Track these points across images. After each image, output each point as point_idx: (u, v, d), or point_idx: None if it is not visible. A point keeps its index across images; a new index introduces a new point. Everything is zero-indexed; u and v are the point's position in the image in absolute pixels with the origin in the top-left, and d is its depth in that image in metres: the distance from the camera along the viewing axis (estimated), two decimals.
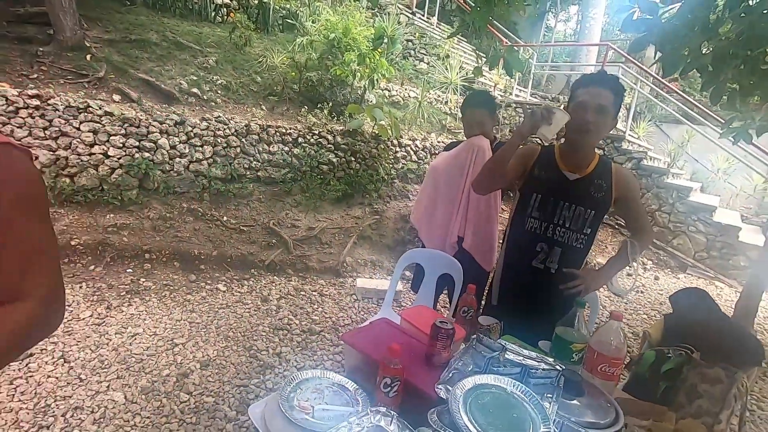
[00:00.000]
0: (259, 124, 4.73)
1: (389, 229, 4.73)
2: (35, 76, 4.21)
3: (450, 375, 1.05)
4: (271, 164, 4.74)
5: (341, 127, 5.23)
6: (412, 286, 2.68)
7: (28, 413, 1.91)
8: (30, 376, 2.12)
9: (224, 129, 4.52)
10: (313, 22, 6.15)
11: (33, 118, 3.71)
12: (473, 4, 2.62)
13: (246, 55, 5.80)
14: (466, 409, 0.92)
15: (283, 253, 4.03)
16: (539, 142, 1.69)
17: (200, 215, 4.11)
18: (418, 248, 2.45)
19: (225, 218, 4.20)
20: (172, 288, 3.24)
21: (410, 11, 9.05)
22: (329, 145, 5.07)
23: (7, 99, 3.63)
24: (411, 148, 5.73)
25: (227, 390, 2.24)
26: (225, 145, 4.51)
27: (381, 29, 5.74)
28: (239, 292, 3.39)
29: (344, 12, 6.15)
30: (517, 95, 8.03)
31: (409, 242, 4.50)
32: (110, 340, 2.50)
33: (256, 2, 6.60)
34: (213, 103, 4.96)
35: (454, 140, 2.78)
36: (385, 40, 5.83)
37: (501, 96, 7.55)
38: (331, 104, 5.42)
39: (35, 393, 2.03)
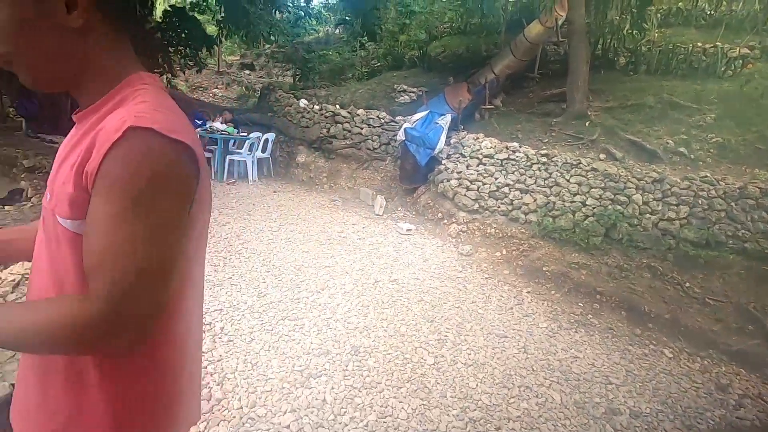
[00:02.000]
0: (760, 188, 3.95)
1: None
2: (546, 140, 5.53)
3: None
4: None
5: None
6: None
7: (499, 374, 2.66)
8: (501, 352, 2.92)
9: (709, 190, 4.12)
10: None
11: (540, 171, 4.92)
12: None
13: (759, 108, 4.97)
14: None
15: (761, 345, 3.19)
16: None
17: (659, 274, 3.97)
18: None
19: (687, 284, 3.83)
20: (614, 333, 3.37)
21: None
22: None
23: (527, 157, 5.02)
24: None
25: None
26: (706, 207, 4.10)
27: None
28: (688, 366, 3.03)
29: None
30: None
31: None
32: (557, 352, 2.98)
33: None
34: (700, 162, 4.62)
35: None
36: None
37: None
38: None
39: (495, 368, 2.77)
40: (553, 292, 3.93)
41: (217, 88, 21.20)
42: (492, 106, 6.48)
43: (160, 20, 12.41)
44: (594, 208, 4.49)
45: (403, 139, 5.63)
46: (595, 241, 4.35)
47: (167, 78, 12.62)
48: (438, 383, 2.44)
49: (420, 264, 4.20)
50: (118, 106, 0.63)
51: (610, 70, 6.63)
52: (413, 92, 8.38)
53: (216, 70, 20.73)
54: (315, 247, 4.23)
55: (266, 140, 7.14)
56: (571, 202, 4.63)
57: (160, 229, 0.59)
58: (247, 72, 22.32)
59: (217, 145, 6.82)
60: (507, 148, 5.20)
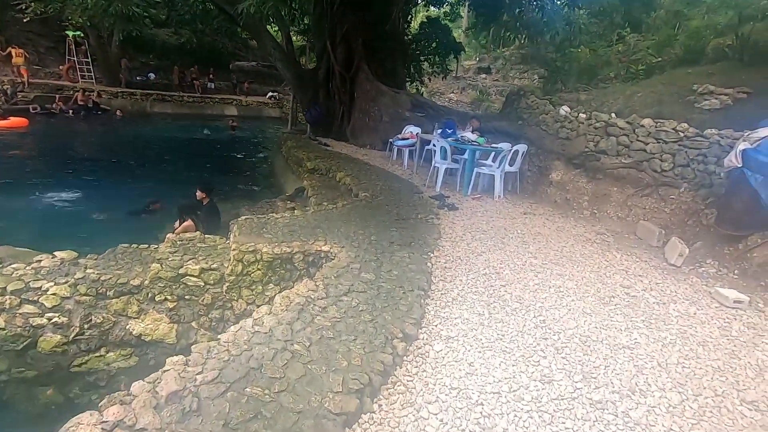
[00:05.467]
0: None
1: None
2: None
3: None
4: None
5: None
6: None
7: None
8: None
9: None
10: None
11: None
12: None
13: None
14: None
15: None
16: None
17: None
18: None
19: None
20: None
21: None
22: None
23: None
24: None
25: None
26: None
27: None
28: None
29: None
30: None
31: None
32: None
33: None
34: None
35: None
36: None
37: None
38: None
39: None
40: None
41: (452, 92, 21.71)
42: None
43: (416, 31, 13.18)
44: None
45: (737, 164, 3.88)
46: None
47: (416, 85, 13.35)
48: None
49: None
50: None
51: None
52: (725, 95, 6.15)
53: (454, 75, 21.17)
54: (598, 307, 3.18)
55: (515, 152, 6.36)
56: None
57: None
58: (483, 76, 22.11)
59: (464, 155, 6.44)
60: None
